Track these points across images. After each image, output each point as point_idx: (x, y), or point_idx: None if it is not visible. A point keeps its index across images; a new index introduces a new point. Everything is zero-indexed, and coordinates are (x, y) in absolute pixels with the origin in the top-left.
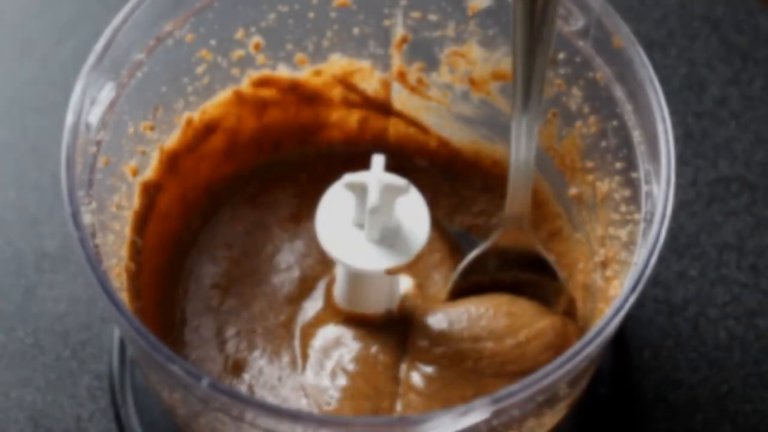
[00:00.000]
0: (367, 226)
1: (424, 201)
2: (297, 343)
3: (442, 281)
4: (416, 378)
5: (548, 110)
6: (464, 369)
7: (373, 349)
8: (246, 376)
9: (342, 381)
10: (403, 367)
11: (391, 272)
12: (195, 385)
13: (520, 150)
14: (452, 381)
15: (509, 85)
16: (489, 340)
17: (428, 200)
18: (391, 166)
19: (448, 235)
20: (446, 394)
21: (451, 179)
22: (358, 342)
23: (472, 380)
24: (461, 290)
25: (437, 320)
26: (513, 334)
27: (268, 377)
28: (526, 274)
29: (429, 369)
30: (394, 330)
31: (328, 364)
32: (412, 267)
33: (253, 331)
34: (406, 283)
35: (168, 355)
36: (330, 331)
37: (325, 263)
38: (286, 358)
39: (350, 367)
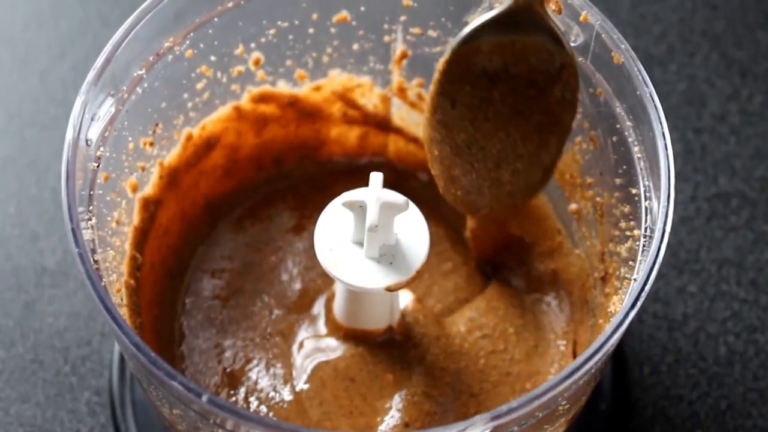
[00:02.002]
0: (366, 244)
1: (423, 218)
2: (295, 356)
3: (442, 294)
4: (416, 396)
5: None
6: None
7: (373, 365)
8: (242, 388)
9: (339, 397)
10: (403, 384)
11: (392, 290)
12: (195, 401)
13: None
14: (452, 398)
15: None
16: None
17: (429, 214)
18: (391, 181)
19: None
20: (446, 411)
21: None
22: (357, 358)
23: (472, 399)
24: (457, 66)
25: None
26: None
27: (265, 390)
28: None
29: (430, 387)
30: (395, 346)
31: (325, 379)
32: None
33: (252, 344)
34: (405, 298)
35: (168, 371)
36: (329, 347)
37: (325, 277)
38: (283, 371)
39: (348, 383)
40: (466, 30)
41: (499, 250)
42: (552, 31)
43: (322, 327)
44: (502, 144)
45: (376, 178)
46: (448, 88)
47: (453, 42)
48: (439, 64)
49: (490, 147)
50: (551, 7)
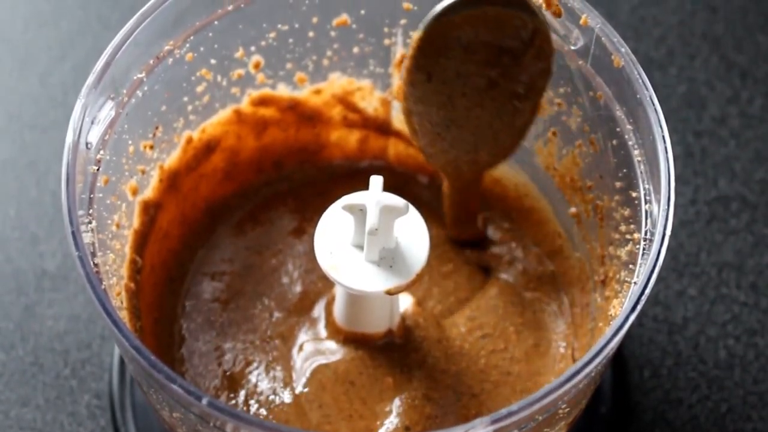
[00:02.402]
0: (366, 247)
1: (423, 221)
2: (294, 359)
3: (443, 295)
4: (417, 399)
5: (548, 129)
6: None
7: (373, 369)
8: (242, 391)
9: (339, 400)
10: (403, 387)
11: (392, 293)
12: (195, 404)
13: None
14: (453, 400)
15: None
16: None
17: (429, 216)
18: (392, 184)
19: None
20: (447, 414)
21: None
22: (357, 362)
23: (473, 401)
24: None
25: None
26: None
27: (264, 392)
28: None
29: (431, 390)
30: (395, 350)
31: (325, 382)
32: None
33: (252, 346)
34: (406, 301)
35: (168, 374)
36: (329, 350)
37: (326, 280)
38: (283, 374)
39: (348, 386)
40: (439, 6)
41: (474, 227)
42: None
43: (322, 330)
44: (479, 120)
45: (377, 181)
46: (423, 62)
47: (426, 17)
48: (413, 41)
49: (468, 125)
50: (551, 10)
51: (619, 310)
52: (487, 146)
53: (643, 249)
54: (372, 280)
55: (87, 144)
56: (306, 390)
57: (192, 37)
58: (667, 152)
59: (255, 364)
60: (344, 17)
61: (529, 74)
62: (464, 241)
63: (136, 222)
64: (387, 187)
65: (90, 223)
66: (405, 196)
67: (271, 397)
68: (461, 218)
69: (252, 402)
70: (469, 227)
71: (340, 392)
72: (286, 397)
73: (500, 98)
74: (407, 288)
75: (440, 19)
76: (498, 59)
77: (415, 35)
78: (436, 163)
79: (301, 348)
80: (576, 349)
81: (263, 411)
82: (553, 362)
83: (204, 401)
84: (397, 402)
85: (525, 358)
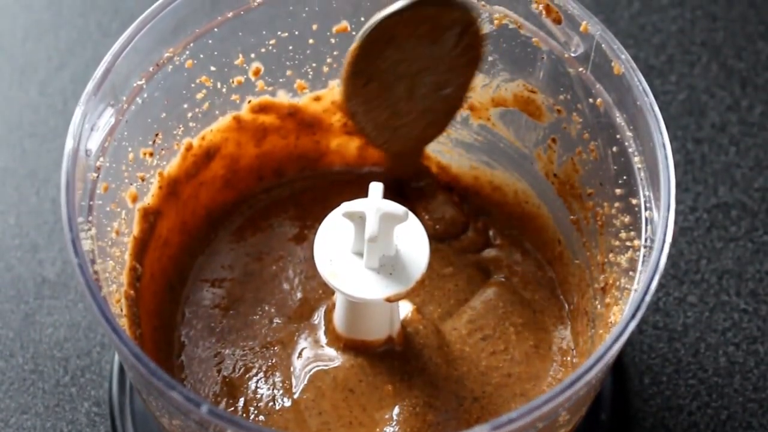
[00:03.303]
0: (365, 255)
1: (423, 228)
2: (294, 366)
3: (443, 298)
4: (418, 407)
5: (548, 136)
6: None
7: (372, 377)
8: (241, 398)
9: (339, 407)
10: (404, 395)
11: (392, 300)
12: (194, 411)
13: None
14: (455, 406)
15: (509, 112)
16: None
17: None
18: (392, 189)
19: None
20: (449, 419)
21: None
22: (356, 369)
23: (474, 405)
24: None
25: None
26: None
27: (264, 399)
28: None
29: (432, 398)
30: (395, 357)
31: (324, 389)
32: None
33: (251, 353)
34: (405, 308)
35: (167, 381)
36: (328, 357)
37: (326, 287)
38: (282, 381)
39: (348, 394)
40: (376, 17)
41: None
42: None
43: (321, 337)
44: (417, 108)
45: (376, 188)
46: (361, 68)
47: (364, 29)
48: (350, 51)
49: (408, 114)
50: (551, 17)
51: (619, 317)
52: (426, 127)
53: (643, 256)
54: (372, 288)
55: (87, 151)
56: (305, 397)
57: (192, 44)
58: (667, 159)
59: (254, 371)
60: (344, 24)
61: (460, 63)
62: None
63: (135, 229)
64: (387, 195)
65: (90, 230)
66: (408, 195)
67: (271, 403)
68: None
69: (251, 409)
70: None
71: (340, 399)
72: (286, 403)
73: (434, 87)
74: (407, 295)
75: (376, 27)
76: (430, 53)
77: (353, 46)
78: (384, 148)
79: (300, 355)
80: (576, 355)
81: (262, 418)
82: (553, 365)
83: (203, 408)
84: (396, 409)
85: (525, 359)
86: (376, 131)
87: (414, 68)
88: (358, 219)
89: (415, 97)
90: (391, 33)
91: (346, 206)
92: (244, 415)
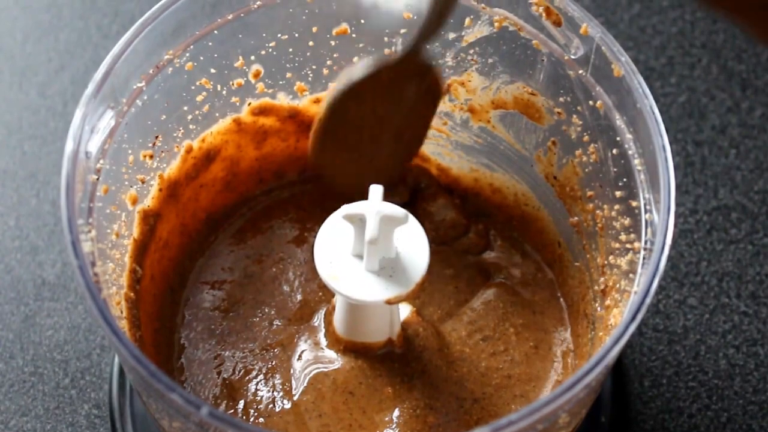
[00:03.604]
0: (365, 257)
1: (423, 230)
2: (294, 368)
3: (443, 299)
4: (419, 408)
5: (548, 139)
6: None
7: (372, 379)
8: (241, 400)
9: (339, 410)
10: (404, 397)
11: (391, 303)
12: (194, 414)
13: None
14: (455, 407)
15: (509, 114)
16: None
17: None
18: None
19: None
20: (449, 421)
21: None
22: (356, 371)
23: (475, 406)
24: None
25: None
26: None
27: (264, 401)
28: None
29: (432, 399)
30: (395, 359)
31: (324, 391)
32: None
33: (252, 355)
34: (405, 311)
35: (167, 383)
36: (328, 359)
37: (326, 289)
38: (282, 383)
39: (348, 396)
40: (343, 84)
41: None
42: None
43: (321, 339)
44: (382, 146)
45: (376, 191)
46: (330, 126)
47: (332, 96)
48: (319, 116)
49: (377, 158)
50: (551, 20)
51: (619, 319)
52: (393, 161)
53: (644, 258)
54: (371, 290)
55: (87, 153)
56: (305, 399)
57: (192, 47)
58: (667, 162)
59: (254, 373)
60: (344, 26)
61: (422, 103)
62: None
63: (135, 231)
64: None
65: (89, 232)
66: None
67: (270, 406)
68: None
69: (251, 411)
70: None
71: (340, 402)
72: (286, 406)
73: (398, 128)
74: (407, 298)
75: (345, 93)
76: (392, 100)
77: (322, 111)
78: (355, 190)
79: (300, 357)
80: (575, 356)
81: (262, 420)
82: (552, 366)
83: (204, 411)
84: (397, 412)
85: (525, 361)
86: (344, 178)
87: (377, 116)
88: (358, 221)
89: (381, 140)
90: (356, 91)
91: (346, 209)
92: (244, 417)
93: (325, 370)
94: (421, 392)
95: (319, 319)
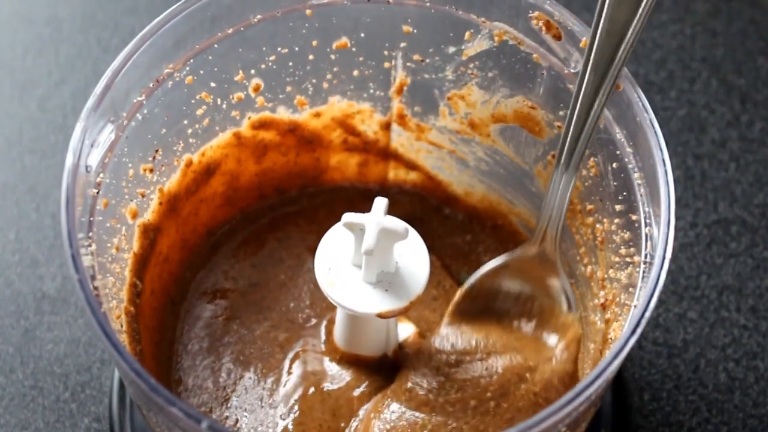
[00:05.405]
0: (363, 268)
1: (425, 247)
2: (292, 378)
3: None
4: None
5: (548, 153)
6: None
7: (368, 392)
8: (242, 412)
9: (336, 418)
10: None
11: (384, 316)
12: (195, 427)
13: (554, 196)
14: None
15: (509, 128)
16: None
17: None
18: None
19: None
20: None
21: (458, 225)
22: (351, 383)
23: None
24: (464, 309)
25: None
26: (517, 383)
27: (264, 414)
28: (540, 299)
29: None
30: (385, 375)
31: (319, 403)
32: (413, 315)
33: (251, 368)
34: (407, 330)
35: (168, 397)
36: (325, 370)
37: (327, 301)
38: (281, 394)
39: (343, 408)
40: (478, 273)
41: None
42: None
43: (321, 349)
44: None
45: (380, 203)
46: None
47: (465, 284)
48: (451, 305)
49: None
50: (551, 33)
51: (619, 333)
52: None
53: (643, 272)
54: (365, 301)
55: (87, 167)
56: (304, 411)
57: (192, 60)
58: (667, 175)
59: (255, 386)
60: (344, 40)
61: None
62: None
63: (135, 245)
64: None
65: (90, 246)
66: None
67: (271, 418)
68: None
69: (252, 423)
70: None
71: (331, 413)
72: (286, 417)
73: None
74: (401, 313)
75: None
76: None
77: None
78: None
79: (298, 367)
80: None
81: (246, 416)
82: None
83: (204, 424)
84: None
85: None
86: None
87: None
88: (359, 231)
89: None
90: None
91: (348, 217)
92: (244, 430)
93: (322, 381)
94: (417, 408)
95: (319, 330)
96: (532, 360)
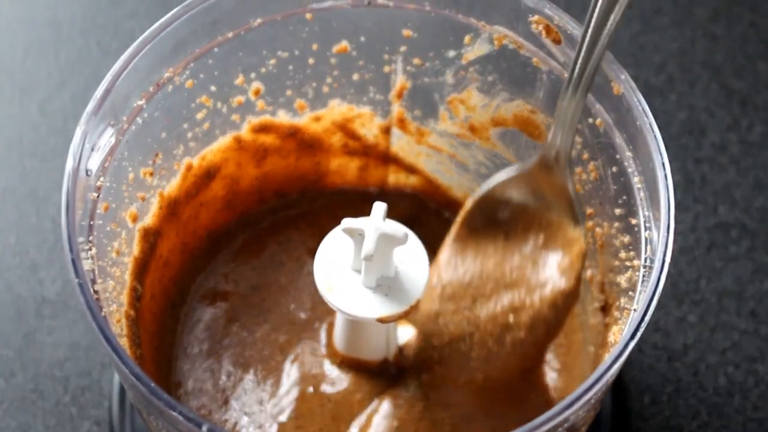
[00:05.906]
0: (363, 272)
1: (425, 252)
2: (292, 382)
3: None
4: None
5: None
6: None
7: (368, 397)
8: (242, 415)
9: (335, 422)
10: (397, 415)
11: (383, 321)
12: (195, 431)
13: (564, 117)
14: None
15: (508, 132)
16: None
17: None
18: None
19: None
20: None
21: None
22: (351, 387)
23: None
24: (474, 219)
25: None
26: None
27: (264, 417)
28: (548, 214)
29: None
30: (390, 379)
31: (319, 406)
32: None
33: (251, 372)
34: (408, 333)
35: (168, 401)
36: (325, 373)
37: (327, 306)
38: (281, 397)
39: (343, 412)
40: (489, 183)
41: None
42: (569, 203)
43: (321, 352)
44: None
45: (379, 208)
46: (465, 232)
47: (475, 194)
48: (460, 216)
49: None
50: (551, 38)
51: (619, 336)
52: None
53: (643, 276)
54: (365, 306)
55: (87, 171)
56: (303, 414)
57: (192, 64)
58: (667, 179)
59: (254, 388)
60: (344, 44)
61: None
62: None
63: (136, 249)
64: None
65: (90, 250)
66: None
67: (271, 421)
68: None
69: (252, 426)
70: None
71: (332, 416)
72: (286, 421)
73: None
74: (401, 318)
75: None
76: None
77: (463, 211)
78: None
79: (298, 370)
80: (573, 377)
81: (246, 419)
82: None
83: (204, 429)
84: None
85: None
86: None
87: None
88: (358, 236)
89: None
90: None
91: (347, 222)
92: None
93: (321, 384)
94: (414, 412)
95: (320, 334)
96: (535, 278)
